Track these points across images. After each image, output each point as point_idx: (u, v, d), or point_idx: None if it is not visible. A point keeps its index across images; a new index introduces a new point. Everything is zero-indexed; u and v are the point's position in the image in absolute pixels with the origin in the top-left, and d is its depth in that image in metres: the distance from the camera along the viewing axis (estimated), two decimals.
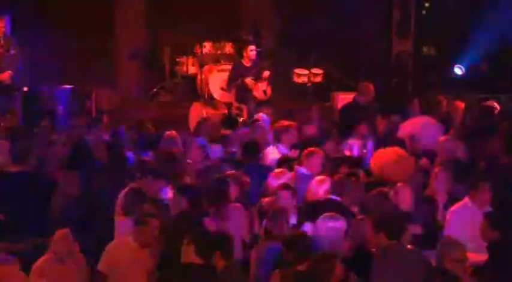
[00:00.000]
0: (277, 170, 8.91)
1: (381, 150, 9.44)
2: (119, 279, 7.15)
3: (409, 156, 9.35)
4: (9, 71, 12.72)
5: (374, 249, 7.02)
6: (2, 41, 12.79)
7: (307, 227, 7.51)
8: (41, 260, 7.04)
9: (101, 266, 7.19)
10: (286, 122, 10.79)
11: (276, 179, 8.62)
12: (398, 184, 8.34)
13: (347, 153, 10.03)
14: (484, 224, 7.33)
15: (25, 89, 13.00)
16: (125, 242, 7.25)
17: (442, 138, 10.11)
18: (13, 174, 8.82)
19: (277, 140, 10.39)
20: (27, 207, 8.43)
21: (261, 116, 11.82)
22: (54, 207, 8.40)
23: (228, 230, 7.31)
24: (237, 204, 8.04)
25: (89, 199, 8.43)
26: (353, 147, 10.21)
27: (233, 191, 8.26)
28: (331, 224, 7.14)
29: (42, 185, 8.70)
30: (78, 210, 8.23)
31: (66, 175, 8.64)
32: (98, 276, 7.20)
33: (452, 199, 8.43)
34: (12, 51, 12.82)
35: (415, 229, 7.90)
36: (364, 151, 10.11)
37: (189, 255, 6.69)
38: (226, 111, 13.81)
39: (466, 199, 8.20)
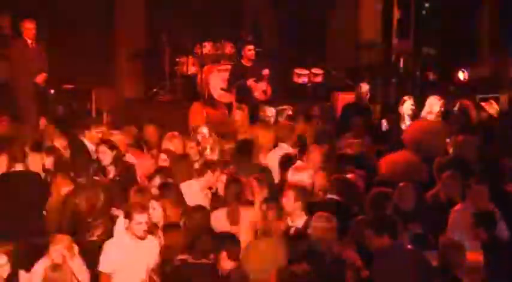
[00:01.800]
0: (297, 164, 8.83)
1: (392, 154, 9.48)
2: (120, 276, 7.16)
3: (418, 159, 9.38)
4: (44, 74, 12.78)
5: (374, 250, 7.03)
6: (33, 44, 12.82)
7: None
8: (39, 264, 7.05)
9: (102, 266, 7.19)
10: (287, 122, 10.82)
11: (296, 174, 8.61)
12: (400, 184, 8.35)
13: (347, 151, 10.03)
14: (472, 223, 7.36)
15: (52, 91, 13.03)
16: (121, 238, 7.26)
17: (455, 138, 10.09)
18: (13, 174, 8.82)
19: (280, 139, 10.38)
20: (27, 207, 8.43)
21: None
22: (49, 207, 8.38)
23: (238, 231, 7.29)
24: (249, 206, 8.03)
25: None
26: (351, 145, 10.21)
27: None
28: (323, 224, 7.13)
29: (41, 185, 8.67)
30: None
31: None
32: (101, 277, 7.21)
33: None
34: (43, 54, 12.89)
35: (416, 229, 7.93)
36: (363, 149, 10.11)
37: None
38: (226, 111, 13.80)
39: (468, 201, 8.23)
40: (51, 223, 8.04)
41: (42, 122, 11.07)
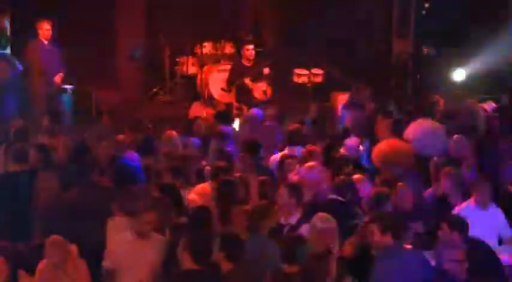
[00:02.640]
0: (309, 164, 8.87)
1: (381, 143, 9.51)
2: (123, 272, 7.22)
3: (406, 145, 9.42)
4: (61, 73, 12.80)
5: (375, 250, 7.03)
6: (49, 44, 12.82)
7: (304, 228, 7.51)
8: (40, 265, 7.08)
9: (106, 263, 7.29)
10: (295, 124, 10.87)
11: (308, 173, 8.63)
12: (399, 184, 8.35)
13: (343, 152, 10.03)
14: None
15: (68, 87, 13.07)
16: (125, 236, 7.33)
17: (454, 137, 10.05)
18: (12, 174, 8.82)
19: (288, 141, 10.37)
20: (26, 207, 8.43)
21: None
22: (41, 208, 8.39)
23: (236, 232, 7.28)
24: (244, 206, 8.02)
25: (83, 200, 8.37)
26: (350, 146, 10.20)
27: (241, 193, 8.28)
28: (323, 225, 7.14)
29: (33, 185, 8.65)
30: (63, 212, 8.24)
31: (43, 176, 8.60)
32: (106, 273, 7.27)
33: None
34: (59, 54, 12.91)
35: (417, 228, 7.93)
36: (361, 149, 10.10)
37: (185, 261, 6.66)
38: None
39: (471, 200, 8.23)
40: (47, 223, 8.06)
41: (45, 120, 11.09)
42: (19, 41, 13.31)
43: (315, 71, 15.66)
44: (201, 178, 9.26)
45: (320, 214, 7.23)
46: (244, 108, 13.50)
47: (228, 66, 14.62)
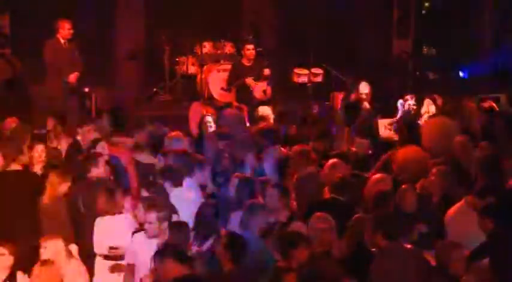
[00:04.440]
0: (332, 161, 8.84)
1: (402, 150, 9.52)
2: (138, 269, 7.29)
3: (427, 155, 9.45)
4: (77, 73, 12.78)
5: (373, 249, 7.03)
6: (67, 44, 12.80)
7: (295, 226, 7.51)
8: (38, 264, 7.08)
9: (127, 258, 7.42)
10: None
11: (333, 170, 8.62)
12: (403, 186, 8.33)
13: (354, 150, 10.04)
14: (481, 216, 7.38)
15: (86, 89, 13.03)
16: (141, 234, 7.40)
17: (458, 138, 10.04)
18: (8, 173, 8.82)
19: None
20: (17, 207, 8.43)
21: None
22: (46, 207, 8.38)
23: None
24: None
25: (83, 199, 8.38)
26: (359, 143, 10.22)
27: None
28: (321, 224, 7.13)
29: (30, 185, 8.66)
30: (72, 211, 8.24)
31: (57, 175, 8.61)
32: (127, 267, 7.38)
33: (448, 199, 8.47)
34: (76, 53, 12.89)
35: (421, 228, 7.93)
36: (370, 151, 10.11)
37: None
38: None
39: (463, 201, 8.19)
40: (46, 223, 8.07)
41: (50, 121, 11.08)
42: (18, 40, 13.34)
43: (315, 71, 15.66)
44: None
45: (318, 213, 7.23)
46: (244, 108, 13.49)
47: (228, 66, 14.61)
